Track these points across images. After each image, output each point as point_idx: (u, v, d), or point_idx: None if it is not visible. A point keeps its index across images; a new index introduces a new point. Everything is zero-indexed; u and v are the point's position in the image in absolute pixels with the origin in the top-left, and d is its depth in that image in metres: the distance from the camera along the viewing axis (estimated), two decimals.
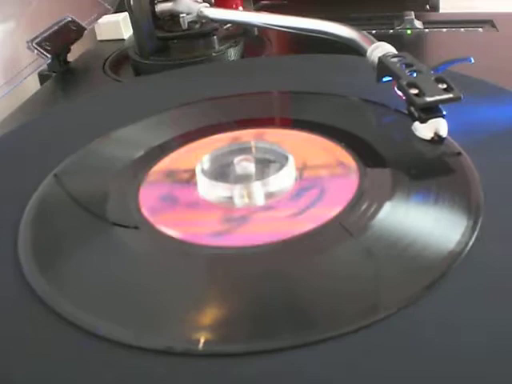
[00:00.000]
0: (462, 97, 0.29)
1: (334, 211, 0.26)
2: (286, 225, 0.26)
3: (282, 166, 0.28)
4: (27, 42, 0.49)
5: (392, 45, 0.36)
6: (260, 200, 0.27)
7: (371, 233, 0.24)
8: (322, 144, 0.31)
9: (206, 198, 0.28)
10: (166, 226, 0.26)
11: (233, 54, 0.49)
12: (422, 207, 0.26)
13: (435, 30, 0.53)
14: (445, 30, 0.53)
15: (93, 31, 0.59)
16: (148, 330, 0.21)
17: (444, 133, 0.29)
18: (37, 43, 0.49)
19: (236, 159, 0.30)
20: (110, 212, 0.28)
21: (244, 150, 0.31)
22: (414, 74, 0.31)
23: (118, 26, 0.58)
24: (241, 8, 0.57)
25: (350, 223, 0.25)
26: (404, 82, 0.30)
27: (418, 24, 0.54)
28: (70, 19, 0.54)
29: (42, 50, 0.49)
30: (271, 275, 0.23)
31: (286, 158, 0.29)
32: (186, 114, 0.36)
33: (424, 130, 0.30)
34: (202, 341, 0.21)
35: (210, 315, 0.22)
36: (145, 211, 0.28)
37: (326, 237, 0.25)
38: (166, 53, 0.49)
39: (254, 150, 0.31)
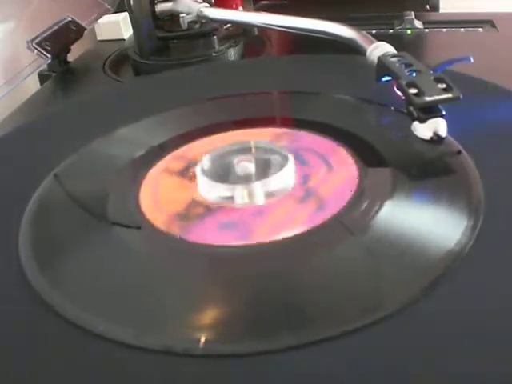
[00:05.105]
0: (461, 96, 0.29)
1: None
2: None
3: (282, 166, 0.29)
4: (27, 42, 0.49)
5: (392, 45, 0.36)
6: (260, 200, 0.27)
7: (372, 232, 0.24)
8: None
9: (206, 198, 0.28)
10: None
11: (233, 53, 0.49)
12: (423, 206, 0.26)
13: (435, 29, 0.53)
14: (445, 30, 0.53)
15: (93, 31, 0.59)
16: (148, 329, 0.21)
17: (443, 133, 0.29)
18: (37, 43, 0.49)
19: (236, 159, 0.30)
20: (111, 211, 0.28)
21: (244, 149, 0.31)
22: (414, 74, 0.31)
23: (117, 26, 0.58)
24: (241, 8, 0.57)
25: (351, 222, 0.25)
26: (403, 82, 0.30)
27: (418, 24, 0.54)
28: (70, 19, 0.54)
29: (41, 50, 0.49)
30: (271, 274, 0.23)
31: (286, 158, 0.29)
32: (186, 113, 0.36)
33: (423, 130, 0.30)
34: (203, 341, 0.21)
35: (210, 315, 0.22)
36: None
37: (327, 235, 0.25)
38: (166, 53, 0.49)
39: (253, 149, 0.31)
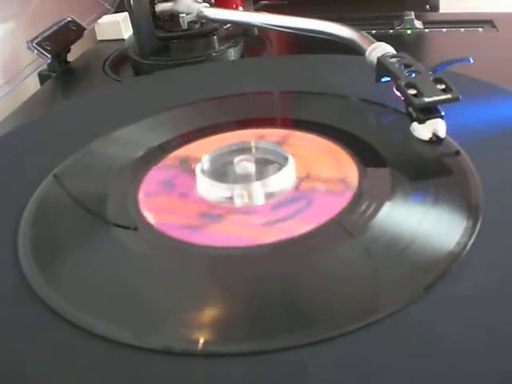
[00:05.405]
0: (461, 97, 0.29)
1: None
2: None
3: (281, 166, 0.29)
4: (27, 42, 0.49)
5: (392, 45, 0.36)
6: (260, 200, 0.27)
7: (371, 233, 0.24)
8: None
9: (205, 198, 0.28)
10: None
11: (233, 53, 0.49)
12: (422, 207, 0.26)
13: (435, 30, 0.53)
14: (445, 30, 0.53)
15: (93, 31, 0.59)
16: (147, 329, 0.21)
17: (442, 133, 0.29)
18: (37, 43, 0.49)
19: (236, 159, 0.30)
20: (110, 212, 0.28)
21: (244, 149, 0.31)
22: (413, 75, 0.31)
23: (117, 26, 0.58)
24: (241, 8, 0.57)
25: (350, 224, 0.25)
26: (402, 83, 0.30)
27: (418, 24, 0.54)
28: (70, 19, 0.54)
29: (41, 50, 0.49)
30: (271, 275, 0.23)
31: (286, 158, 0.29)
32: (186, 113, 0.36)
33: (422, 131, 0.30)
34: (201, 341, 0.21)
35: (209, 315, 0.22)
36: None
37: (326, 237, 0.25)
38: (166, 53, 0.49)
39: (253, 149, 0.31)
